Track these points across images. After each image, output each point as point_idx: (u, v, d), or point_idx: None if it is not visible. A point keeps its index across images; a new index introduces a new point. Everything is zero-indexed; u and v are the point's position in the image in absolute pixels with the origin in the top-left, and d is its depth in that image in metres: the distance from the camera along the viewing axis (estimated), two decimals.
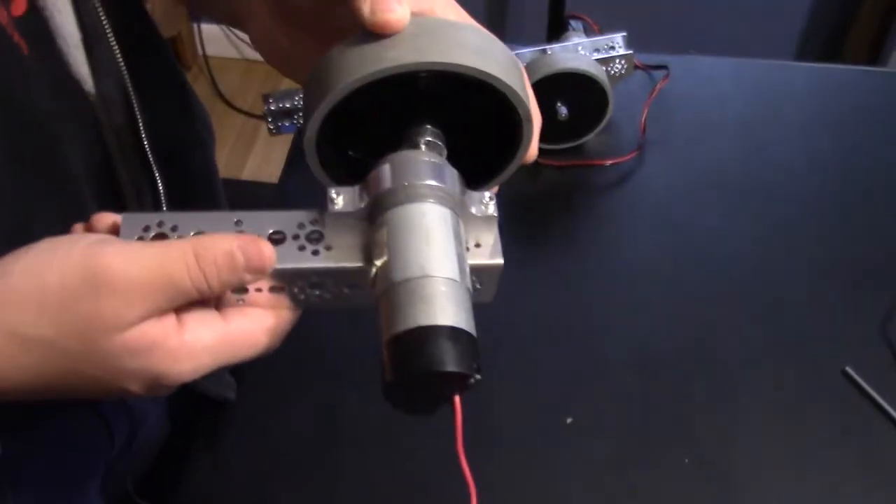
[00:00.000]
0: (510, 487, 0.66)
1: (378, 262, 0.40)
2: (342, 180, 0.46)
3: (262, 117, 0.89)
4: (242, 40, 2.21)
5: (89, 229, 0.43)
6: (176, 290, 0.38)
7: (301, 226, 0.42)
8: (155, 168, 0.63)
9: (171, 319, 0.39)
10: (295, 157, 0.91)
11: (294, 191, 0.87)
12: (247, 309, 0.42)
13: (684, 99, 0.96)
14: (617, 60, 0.88)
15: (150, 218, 0.42)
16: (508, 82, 0.42)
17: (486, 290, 0.45)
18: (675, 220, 0.85)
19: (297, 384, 0.72)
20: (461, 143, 0.46)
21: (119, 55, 0.59)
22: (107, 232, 0.42)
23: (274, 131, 0.89)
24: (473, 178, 0.45)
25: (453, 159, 0.44)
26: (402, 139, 0.45)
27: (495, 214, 0.43)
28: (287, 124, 0.89)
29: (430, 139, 0.45)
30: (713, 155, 0.91)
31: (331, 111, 0.42)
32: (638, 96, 0.93)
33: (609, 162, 0.89)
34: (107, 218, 0.42)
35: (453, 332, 0.37)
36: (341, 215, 0.41)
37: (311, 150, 0.45)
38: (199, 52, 2.19)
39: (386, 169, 0.42)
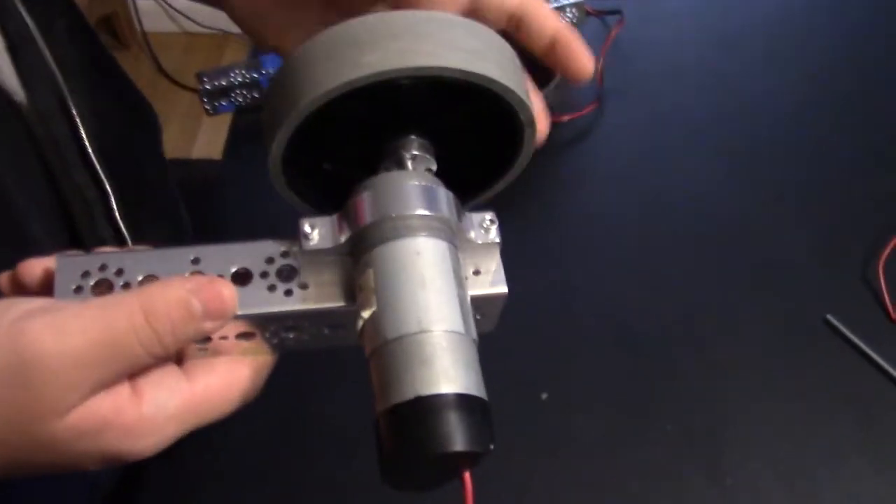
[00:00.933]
0: (482, 472, 0.63)
1: (365, 314, 0.34)
2: (316, 197, 0.41)
3: (199, 97, 0.84)
4: (180, 12, 2.13)
5: (16, 281, 0.36)
6: (125, 360, 0.33)
7: (270, 260, 0.36)
8: (103, 176, 0.57)
9: (124, 390, 0.34)
10: (236, 138, 0.85)
11: (237, 174, 0.81)
12: (213, 362, 0.36)
13: (641, 43, 0.91)
14: (567, 9, 0.83)
15: (90, 261, 0.36)
16: (509, 85, 0.36)
17: (487, 320, 0.40)
18: (642, 174, 0.81)
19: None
20: (451, 152, 0.40)
21: (51, 59, 0.53)
22: (38, 283, 0.36)
23: (211, 112, 0.84)
24: (465, 190, 0.40)
25: (442, 170, 0.38)
26: (385, 152, 0.39)
27: (498, 240, 0.37)
28: (224, 103, 0.83)
29: (416, 153, 0.38)
30: (676, 100, 0.87)
31: (299, 125, 0.36)
32: (592, 45, 0.87)
33: (567, 117, 0.84)
34: (35, 266, 0.36)
35: (461, 400, 0.32)
36: (317, 252, 0.35)
37: (276, 170, 0.38)
38: (138, 28, 2.11)
39: (368, 197, 0.35)
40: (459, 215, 0.36)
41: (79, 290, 0.35)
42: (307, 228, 0.35)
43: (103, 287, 0.36)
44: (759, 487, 0.63)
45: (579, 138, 0.84)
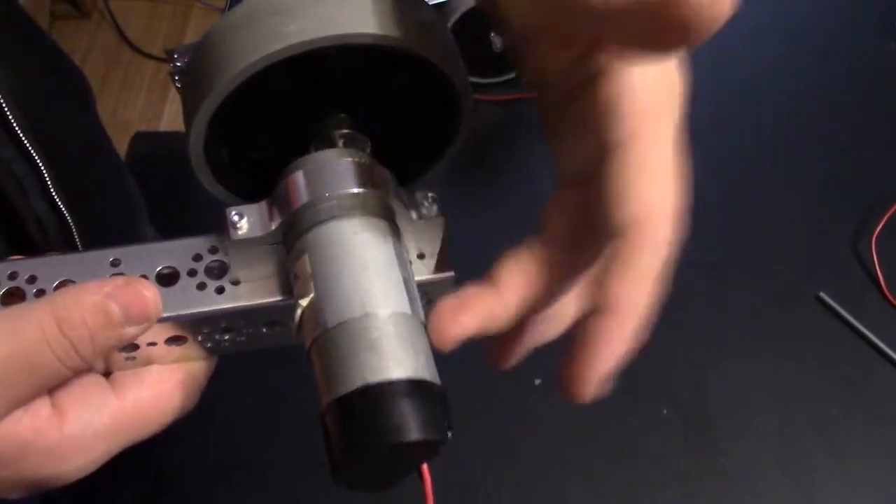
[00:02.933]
0: (476, 457, 0.62)
1: (303, 302, 0.31)
2: (245, 189, 0.38)
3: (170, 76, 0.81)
4: None
5: None
6: (40, 375, 0.30)
7: (197, 257, 0.34)
8: (30, 148, 0.53)
9: (43, 408, 0.31)
10: None
11: None
12: (143, 372, 0.33)
13: None
14: None
15: None
16: (439, 52, 0.33)
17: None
18: None
19: (235, 375, 0.66)
20: (387, 129, 0.37)
21: None
22: None
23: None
24: (405, 169, 0.37)
25: (378, 149, 0.36)
26: (314, 133, 0.36)
27: (441, 216, 0.34)
28: None
29: (348, 131, 0.36)
30: None
31: (219, 107, 0.33)
32: None
33: None
34: None
35: (413, 386, 0.29)
36: (247, 242, 0.33)
37: (198, 159, 0.35)
38: None
39: (298, 178, 0.33)
40: (397, 193, 0.34)
41: None
42: (235, 218, 0.33)
43: (15, 297, 0.33)
44: (753, 466, 0.62)
45: None
